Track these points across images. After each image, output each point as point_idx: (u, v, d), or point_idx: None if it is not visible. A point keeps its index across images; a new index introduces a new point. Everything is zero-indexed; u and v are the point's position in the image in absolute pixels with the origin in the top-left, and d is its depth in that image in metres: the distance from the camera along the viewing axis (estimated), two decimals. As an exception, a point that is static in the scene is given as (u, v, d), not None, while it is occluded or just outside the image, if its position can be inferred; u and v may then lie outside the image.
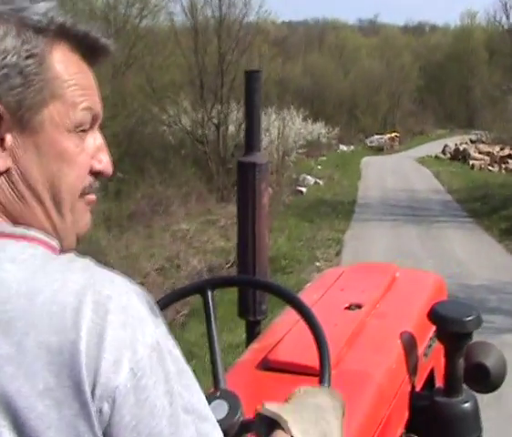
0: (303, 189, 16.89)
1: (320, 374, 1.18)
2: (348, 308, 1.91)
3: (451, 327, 1.75)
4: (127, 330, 0.70)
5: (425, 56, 57.77)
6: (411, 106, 51.17)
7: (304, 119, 33.75)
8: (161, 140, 20.76)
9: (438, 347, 1.91)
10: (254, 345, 1.72)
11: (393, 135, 41.64)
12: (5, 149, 0.76)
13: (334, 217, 13.21)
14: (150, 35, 21.39)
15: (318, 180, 18.48)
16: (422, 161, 27.61)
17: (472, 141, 35.84)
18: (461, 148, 27.98)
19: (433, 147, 34.23)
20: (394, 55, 52.53)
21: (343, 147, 34.02)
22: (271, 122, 19.27)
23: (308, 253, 9.74)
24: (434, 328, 1.87)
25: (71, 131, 0.79)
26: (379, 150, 36.77)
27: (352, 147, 35.30)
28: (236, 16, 18.01)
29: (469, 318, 1.75)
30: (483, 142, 32.59)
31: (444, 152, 29.48)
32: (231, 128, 18.48)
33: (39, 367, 0.68)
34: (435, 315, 1.78)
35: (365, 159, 29.48)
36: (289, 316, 1.66)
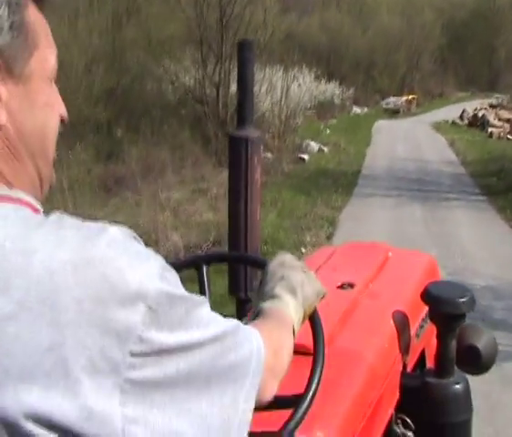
0: (306, 157, 15.73)
1: (314, 353, 1.17)
2: (340, 287, 1.91)
3: (444, 308, 1.75)
4: (135, 271, 0.71)
5: (449, 13, 55.63)
6: (431, 67, 49.34)
7: (317, 78, 32.39)
8: (160, 99, 19.68)
9: (430, 328, 1.93)
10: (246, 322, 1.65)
11: (410, 97, 40.08)
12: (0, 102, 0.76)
13: (334, 190, 12.10)
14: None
15: (323, 147, 17.24)
16: (437, 127, 26.20)
17: (492, 106, 34.27)
18: (479, 114, 26.52)
19: (451, 112, 32.74)
20: (415, 11, 50.52)
21: (357, 109, 32.61)
22: (274, 81, 18.05)
23: (295, 236, 8.68)
24: (426, 309, 1.89)
25: (50, 79, 0.82)
26: (395, 113, 35.32)
27: (366, 110, 33.86)
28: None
29: (463, 299, 1.75)
30: (503, 107, 31.04)
31: (461, 118, 28.01)
32: (233, 88, 17.34)
33: (44, 325, 0.67)
34: (428, 296, 1.79)
35: (379, 123, 28.12)
36: None
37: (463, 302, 1.74)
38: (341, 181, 13.08)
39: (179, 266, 1.30)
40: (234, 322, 0.84)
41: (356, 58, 42.55)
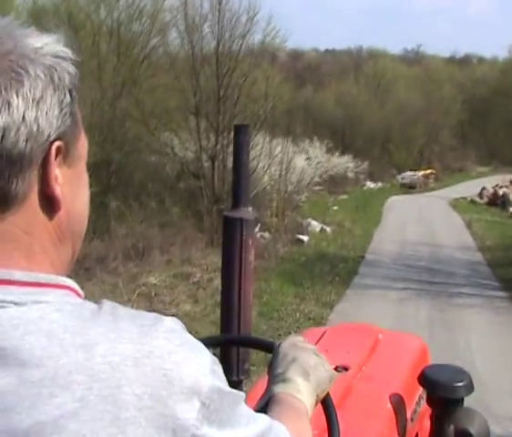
0: (305, 238, 14.25)
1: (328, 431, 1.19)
2: (335, 369, 1.71)
3: (443, 392, 1.76)
4: (191, 365, 0.73)
5: (470, 89, 54.67)
6: (451, 141, 48.06)
7: (329, 151, 31.19)
8: (156, 172, 18.51)
9: (423, 411, 1.96)
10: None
11: (428, 172, 38.68)
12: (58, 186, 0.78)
13: (330, 280, 10.55)
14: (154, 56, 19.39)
15: (325, 227, 15.74)
16: (455, 204, 24.58)
17: (514, 183, 32.70)
18: (500, 192, 24.93)
19: (470, 188, 31.20)
20: (435, 86, 49.61)
21: (370, 184, 31.21)
22: (276, 154, 16.76)
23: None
24: (419, 392, 1.93)
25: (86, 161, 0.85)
26: (411, 188, 33.85)
27: (380, 184, 32.44)
28: (237, 35, 15.55)
29: (461, 383, 1.75)
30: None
31: (481, 195, 26.41)
32: (230, 162, 16.05)
33: (106, 423, 0.67)
34: (425, 379, 1.80)
35: (392, 199, 26.64)
36: None
37: (461, 386, 1.73)
38: (339, 269, 11.52)
39: None
40: (267, 420, 0.86)
41: (372, 131, 41.42)
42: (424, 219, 19.76)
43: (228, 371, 1.73)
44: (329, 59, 65.37)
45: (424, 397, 1.91)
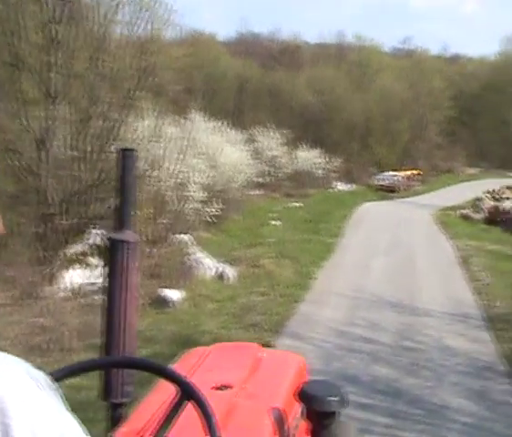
0: (173, 297, 7.57)
1: None
2: (218, 388, 1.90)
3: (318, 406, 1.80)
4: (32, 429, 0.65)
5: (459, 85, 48.19)
6: (438, 139, 41.43)
7: (292, 143, 24.48)
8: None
9: (302, 426, 1.95)
10: (123, 429, 1.58)
11: (412, 172, 32.09)
12: None
13: None
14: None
15: (227, 270, 8.92)
16: (444, 221, 17.78)
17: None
18: (503, 206, 18.27)
19: (460, 193, 24.73)
20: (423, 77, 42.95)
21: (340, 186, 24.47)
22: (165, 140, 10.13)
23: None
24: (299, 407, 1.92)
25: None
26: (391, 191, 27.21)
27: (353, 187, 25.71)
28: None
29: (335, 398, 1.80)
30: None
31: (476, 208, 19.71)
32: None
33: None
34: (303, 394, 1.82)
35: (363, 208, 19.97)
36: (157, 395, 1.65)
37: (335, 401, 1.78)
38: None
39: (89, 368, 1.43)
40: None
41: (351, 122, 34.65)
42: (400, 248, 13.05)
43: (111, 394, 1.66)
44: (312, 47, 58.50)
45: (304, 412, 1.89)
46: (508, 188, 27.84)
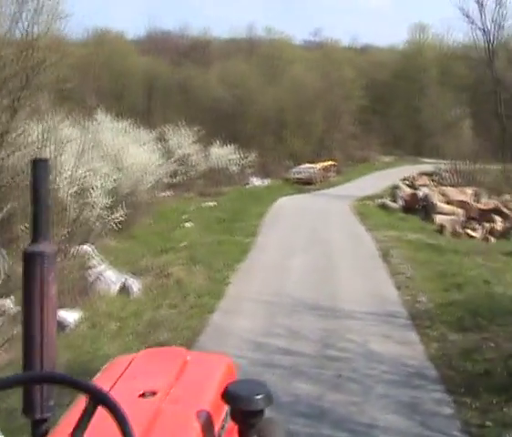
0: (71, 319, 6.68)
1: None
2: (142, 395, 1.85)
3: (244, 406, 1.77)
4: None
5: (370, 74, 48.80)
6: (353, 129, 41.70)
7: (204, 140, 23.69)
8: None
9: (230, 427, 1.95)
10: None
11: (328, 163, 32.03)
12: None
13: None
14: None
15: (132, 282, 8.06)
16: (362, 211, 17.47)
17: (427, 176, 26.47)
18: (420, 194, 18.21)
19: (376, 182, 24.72)
20: (334, 67, 43.05)
21: (256, 181, 23.92)
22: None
23: None
24: (226, 408, 1.92)
25: None
26: (307, 184, 26.92)
27: (268, 181, 25.24)
28: None
29: (260, 396, 1.78)
30: (442, 182, 22.89)
31: (393, 196, 19.59)
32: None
33: None
34: (228, 395, 1.81)
35: (279, 203, 19.43)
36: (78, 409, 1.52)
37: (260, 399, 1.75)
38: None
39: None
40: None
41: (264, 116, 34.23)
42: (320, 242, 12.55)
43: (31, 410, 1.61)
44: (223, 42, 57.74)
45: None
46: (424, 174, 28.19)
